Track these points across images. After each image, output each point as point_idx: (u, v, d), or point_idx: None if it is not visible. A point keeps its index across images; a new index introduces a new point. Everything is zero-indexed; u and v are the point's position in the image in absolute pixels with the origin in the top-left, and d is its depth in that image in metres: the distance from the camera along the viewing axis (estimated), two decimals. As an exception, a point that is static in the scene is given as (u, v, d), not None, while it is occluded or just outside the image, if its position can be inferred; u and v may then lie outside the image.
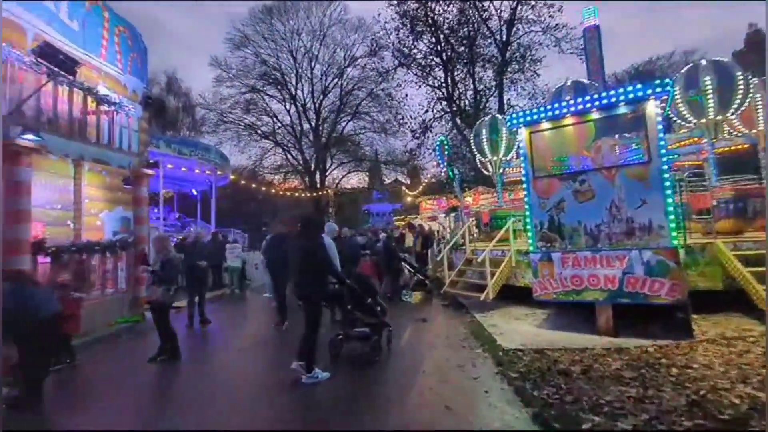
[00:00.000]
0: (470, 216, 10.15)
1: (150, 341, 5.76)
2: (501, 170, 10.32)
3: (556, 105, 5.90)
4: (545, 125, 6.11)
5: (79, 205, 8.45)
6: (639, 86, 5.29)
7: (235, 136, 30.90)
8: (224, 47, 32.21)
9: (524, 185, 6.32)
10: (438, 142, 10.14)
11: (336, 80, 31.64)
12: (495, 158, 10.05)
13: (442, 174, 18.26)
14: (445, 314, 7.58)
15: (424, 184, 24.02)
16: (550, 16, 23.23)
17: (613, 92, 5.48)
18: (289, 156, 32.22)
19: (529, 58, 24.13)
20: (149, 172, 8.52)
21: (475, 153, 10.68)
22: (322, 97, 31.98)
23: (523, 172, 6.33)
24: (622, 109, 5.52)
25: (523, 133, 6.30)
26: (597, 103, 5.58)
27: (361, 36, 30.08)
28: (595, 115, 5.71)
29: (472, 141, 10.39)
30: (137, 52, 10.74)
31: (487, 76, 25.76)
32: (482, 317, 6.90)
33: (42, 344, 4.13)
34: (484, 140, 9.93)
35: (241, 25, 29.94)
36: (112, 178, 9.19)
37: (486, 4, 23.99)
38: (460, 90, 24.94)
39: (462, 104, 24.67)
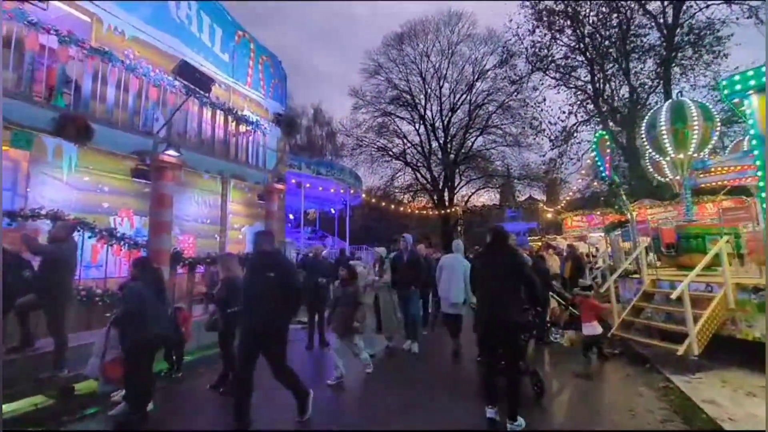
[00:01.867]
0: (648, 234, 7.65)
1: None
2: (689, 173, 7.59)
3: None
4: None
5: (224, 220, 9.06)
6: None
7: (369, 158, 32.42)
8: (360, 77, 34.46)
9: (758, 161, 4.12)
10: (596, 137, 7.97)
11: (464, 96, 31.01)
12: (681, 156, 7.41)
13: (596, 183, 15.19)
14: (618, 370, 5.50)
15: (568, 198, 20.69)
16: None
17: None
18: (418, 175, 32.52)
19: (709, 38, 19.13)
20: (280, 187, 8.66)
21: (647, 152, 8.11)
22: (450, 114, 31.75)
23: None
24: None
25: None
26: None
27: (491, 47, 28.86)
28: None
29: (643, 136, 7.90)
30: (278, 78, 11.49)
31: (647, 68, 21.41)
32: (684, 383, 4.71)
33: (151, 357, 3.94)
34: (664, 132, 7.39)
35: (375, 54, 31.63)
36: (253, 194, 9.71)
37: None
38: (613, 86, 21.15)
39: (614, 104, 20.74)
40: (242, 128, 8.54)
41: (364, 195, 21.68)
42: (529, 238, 25.59)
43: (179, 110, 7.19)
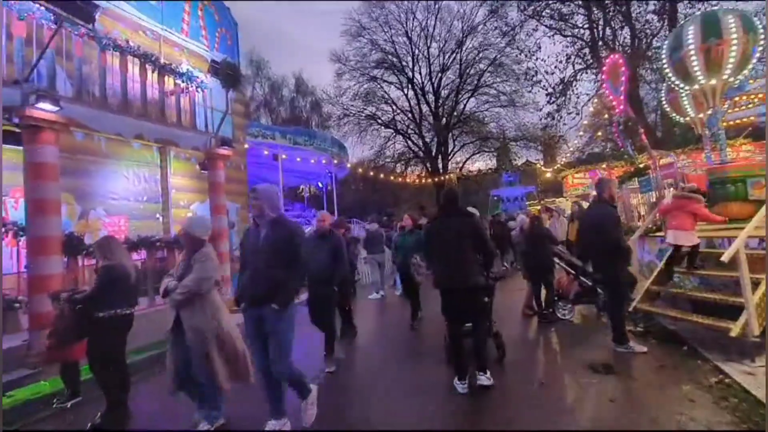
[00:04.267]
0: (674, 180, 6.23)
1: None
2: (722, 103, 6.08)
3: None
4: None
5: (166, 197, 7.64)
6: None
7: (357, 128, 30.64)
8: (342, 40, 32.06)
9: None
10: (606, 65, 6.44)
11: (455, 55, 28.97)
12: (714, 82, 5.85)
13: (600, 133, 13.54)
14: (648, 358, 4.19)
15: (567, 156, 19.11)
16: None
17: None
18: (409, 142, 30.88)
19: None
20: (224, 152, 7.16)
21: (671, 81, 6.54)
22: (440, 75, 29.81)
23: None
24: None
25: None
26: None
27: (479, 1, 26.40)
28: None
29: (664, 62, 6.33)
30: (226, 27, 9.75)
31: (650, 7, 19.29)
32: (743, 373, 3.43)
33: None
34: (693, 53, 5.78)
35: (356, 14, 29.22)
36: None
37: None
38: (615, 27, 19.12)
39: (616, 49, 18.72)
40: (176, 83, 6.99)
41: (350, 165, 20.06)
42: (527, 202, 24.26)
43: (89, 63, 5.69)
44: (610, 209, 4.38)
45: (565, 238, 8.36)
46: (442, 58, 29.32)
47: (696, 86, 6.10)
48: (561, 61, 20.11)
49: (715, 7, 6.05)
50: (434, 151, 29.73)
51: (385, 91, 30.75)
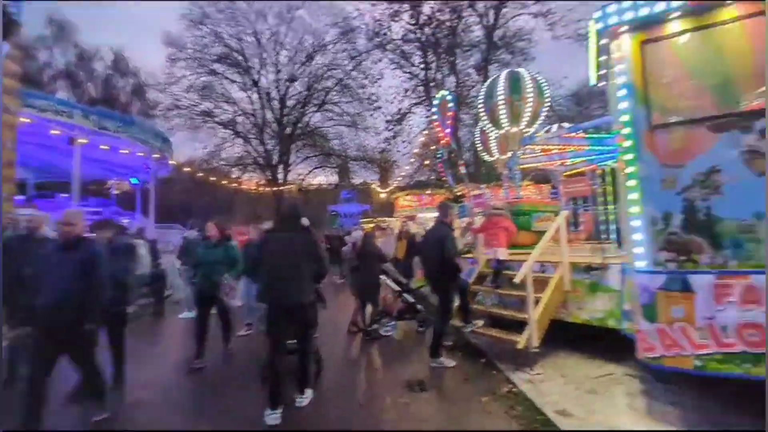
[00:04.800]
0: (483, 209, 7.19)
1: None
2: (521, 149, 7.44)
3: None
4: (678, 24, 3.23)
5: None
6: None
7: (189, 123, 27.02)
8: (180, 24, 28.07)
9: (627, 142, 3.38)
10: (438, 99, 7.09)
11: (304, 67, 28.59)
12: (514, 130, 7.12)
13: (427, 162, 15.15)
14: (454, 371, 4.47)
15: (399, 179, 20.87)
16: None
17: None
18: (249, 147, 28.69)
19: (519, 44, 21.77)
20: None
21: (483, 125, 7.68)
22: (288, 84, 28.85)
23: (626, 117, 3.38)
24: None
25: (628, 46, 3.39)
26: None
27: (332, 19, 27.07)
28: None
29: (481, 107, 7.39)
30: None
31: (472, 62, 23.21)
32: (525, 382, 3.89)
33: None
34: (501, 103, 6.94)
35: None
36: None
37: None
38: (444, 74, 22.19)
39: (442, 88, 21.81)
40: None
41: (174, 163, 17.30)
42: (362, 220, 25.44)
43: None
44: (449, 230, 4.79)
45: (393, 256, 8.74)
46: (291, 68, 28.69)
47: (502, 131, 7.16)
48: (399, 93, 22.11)
49: (519, 68, 7.31)
50: (276, 159, 28.48)
51: (226, 89, 28.22)
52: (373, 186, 25.67)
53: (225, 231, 5.11)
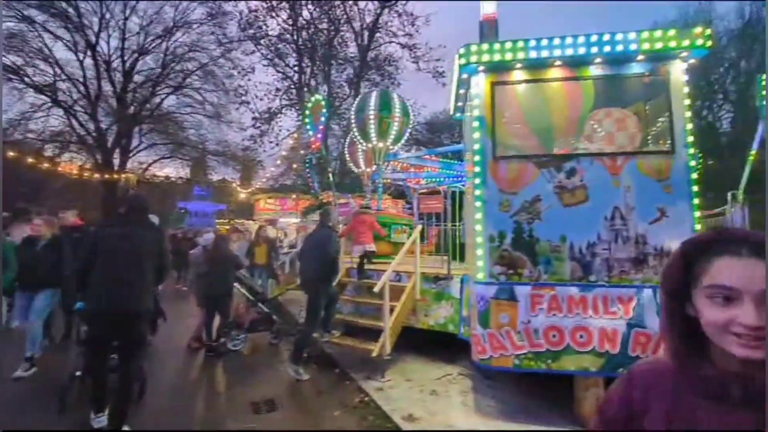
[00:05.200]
0: (346, 216, 7.24)
1: None
2: (384, 163, 7.83)
3: (544, 42, 3.62)
4: (521, 74, 3.81)
5: None
6: (672, 33, 3.45)
7: (-14, 78, 20.56)
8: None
9: (476, 168, 3.81)
10: (312, 102, 6.91)
11: (160, 42, 24.87)
12: (381, 144, 7.45)
13: (295, 165, 14.71)
14: (308, 384, 4.32)
15: (263, 181, 19.84)
16: (410, 33, 22.81)
17: (629, 36, 3.50)
18: (74, 122, 23.38)
19: (387, 64, 23.26)
20: None
21: (353, 136, 7.85)
22: (137, 57, 24.66)
23: (477, 146, 3.82)
24: (637, 66, 3.61)
25: (482, 84, 3.86)
26: (603, 48, 3.53)
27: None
28: (596, 69, 3.67)
29: (353, 119, 7.55)
30: None
31: (345, 77, 23.80)
32: (376, 390, 4.00)
33: None
34: (372, 118, 7.22)
35: None
36: None
37: (350, 3, 22.16)
38: (318, 81, 22.14)
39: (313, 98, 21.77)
40: None
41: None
42: (216, 220, 23.27)
43: None
44: (332, 232, 4.87)
45: (248, 263, 8.16)
46: (143, 38, 24.69)
47: (370, 144, 7.42)
48: (271, 92, 21.16)
49: (390, 89, 7.75)
50: (111, 141, 23.92)
51: (46, 44, 22.60)
52: (233, 185, 23.75)
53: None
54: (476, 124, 3.88)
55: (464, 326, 4.79)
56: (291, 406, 3.76)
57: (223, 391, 4.19)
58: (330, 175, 8.03)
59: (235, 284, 5.35)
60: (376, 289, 4.37)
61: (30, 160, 18.99)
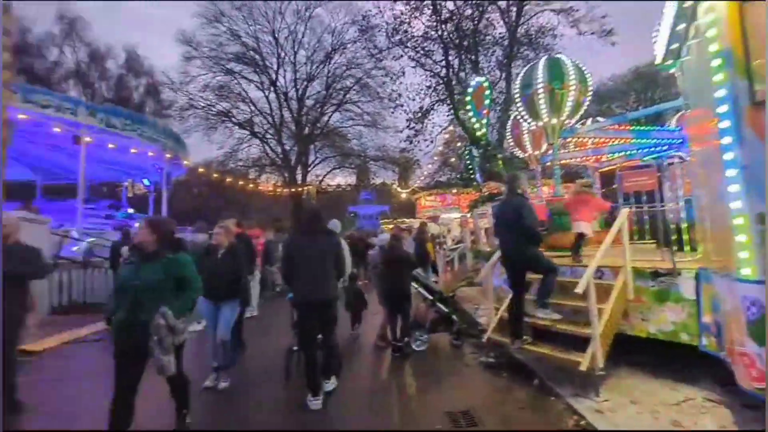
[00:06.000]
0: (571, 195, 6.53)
1: None
2: (559, 142, 6.80)
3: None
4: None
5: None
6: None
7: (205, 123, 26.97)
8: (194, 22, 28.09)
9: (724, 122, 2.77)
10: (473, 86, 6.48)
11: (323, 67, 28.24)
12: (554, 121, 6.48)
13: (453, 159, 14.48)
14: (504, 397, 3.88)
15: (423, 177, 20.24)
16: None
17: None
18: (266, 148, 28.50)
19: (543, 39, 20.92)
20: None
21: (518, 115, 7.05)
22: (306, 84, 28.56)
23: (722, 92, 2.77)
24: None
25: (722, 7, 2.78)
26: None
27: (350, 17, 26.64)
28: None
29: (517, 97, 6.76)
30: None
31: (494, 61, 22.41)
32: (594, 412, 3.29)
33: None
34: (541, 92, 6.29)
35: (215, -2, 26.02)
36: None
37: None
38: (466, 72, 21.41)
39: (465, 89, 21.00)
40: None
41: (188, 164, 17.03)
42: (381, 221, 24.97)
43: None
44: (525, 199, 4.35)
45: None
46: (310, 67, 28.37)
47: (540, 122, 6.53)
48: (421, 91, 21.50)
49: (559, 54, 6.66)
50: (293, 160, 28.22)
51: (243, 89, 28.03)
52: (393, 186, 25.11)
53: (173, 238, 3.45)
54: (718, 62, 2.83)
55: (707, 336, 3.64)
56: (491, 421, 3.36)
57: (415, 395, 4.03)
58: (499, 162, 7.41)
59: (413, 284, 5.31)
60: (579, 289, 3.63)
61: (240, 183, 23.78)
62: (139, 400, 2.81)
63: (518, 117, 7.31)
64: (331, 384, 3.95)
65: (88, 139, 10.66)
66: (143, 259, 2.86)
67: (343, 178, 31.75)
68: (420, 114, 21.24)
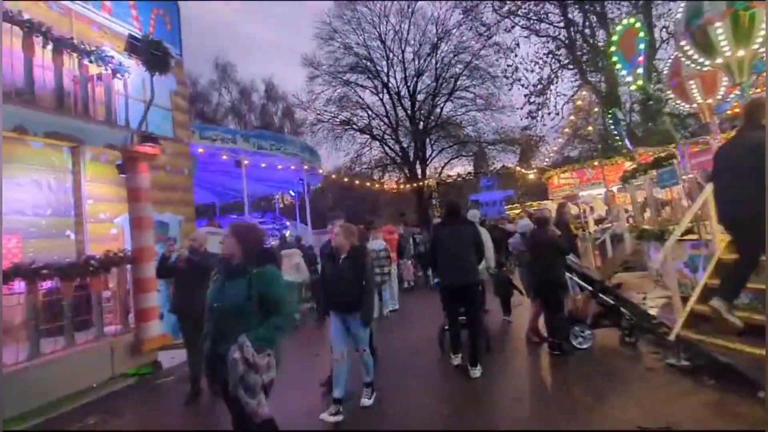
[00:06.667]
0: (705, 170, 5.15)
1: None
2: (749, 80, 5.17)
3: None
4: None
5: (79, 209, 6.14)
6: None
7: (331, 134, 29.44)
8: (314, 44, 30.70)
9: None
10: (619, 31, 5.30)
11: (430, 59, 28.11)
12: (742, 53, 4.90)
13: (590, 128, 12.58)
14: (716, 409, 3.03)
15: (552, 154, 18.30)
16: None
17: None
18: (386, 148, 29.68)
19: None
20: (149, 150, 5.71)
21: (688, 56, 5.56)
22: (416, 80, 28.83)
23: None
24: None
25: None
26: None
27: (453, 2, 25.69)
28: None
29: (680, 36, 5.36)
30: (163, 9, 8.33)
31: (624, 8, 18.97)
32: None
33: None
34: (716, 19, 4.79)
35: (328, 17, 28.15)
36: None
37: None
38: (593, 25, 18.61)
39: (595, 45, 18.09)
40: (94, 70, 5.61)
41: (322, 172, 18.68)
42: (506, 207, 23.41)
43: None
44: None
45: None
46: (417, 62, 28.49)
47: (720, 60, 5.11)
48: (539, 60, 19.52)
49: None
50: (412, 156, 28.70)
51: (360, 96, 29.68)
52: (517, 169, 23.39)
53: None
54: None
55: None
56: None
57: (591, 402, 3.41)
58: (667, 118, 5.95)
59: (567, 273, 4.63)
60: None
61: (367, 184, 25.10)
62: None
63: (681, 59, 5.82)
64: (477, 371, 4.07)
65: (246, 162, 12.45)
66: (228, 275, 2.34)
67: (461, 168, 31.03)
68: (540, 86, 19.26)
